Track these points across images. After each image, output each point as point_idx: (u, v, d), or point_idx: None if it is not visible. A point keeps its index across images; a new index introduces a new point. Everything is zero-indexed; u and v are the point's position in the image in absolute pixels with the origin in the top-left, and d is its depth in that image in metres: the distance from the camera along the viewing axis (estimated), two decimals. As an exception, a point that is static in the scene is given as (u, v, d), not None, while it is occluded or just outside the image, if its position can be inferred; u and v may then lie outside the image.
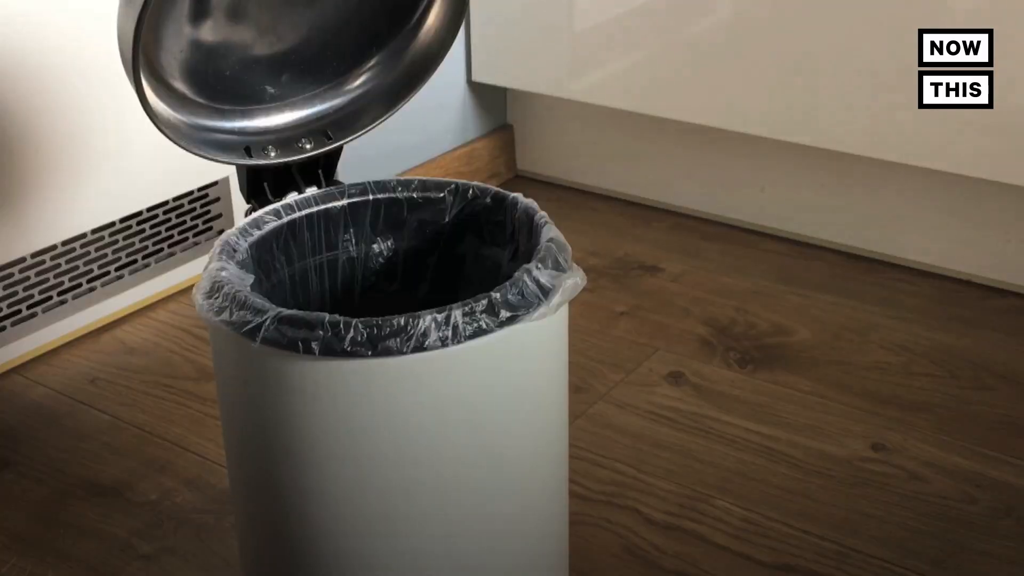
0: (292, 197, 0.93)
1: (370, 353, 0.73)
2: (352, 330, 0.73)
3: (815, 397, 1.25)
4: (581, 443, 1.17)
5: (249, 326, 0.75)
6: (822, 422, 1.20)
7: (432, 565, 0.81)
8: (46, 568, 1.04)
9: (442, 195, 0.94)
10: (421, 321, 0.74)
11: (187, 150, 0.87)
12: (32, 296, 1.31)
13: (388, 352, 0.73)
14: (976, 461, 1.14)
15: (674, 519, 1.07)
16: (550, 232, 0.84)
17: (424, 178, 0.94)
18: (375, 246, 0.96)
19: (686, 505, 1.09)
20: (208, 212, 1.47)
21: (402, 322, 0.73)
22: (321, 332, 0.73)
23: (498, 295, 0.76)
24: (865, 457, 1.15)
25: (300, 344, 0.74)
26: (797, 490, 1.11)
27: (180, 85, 0.87)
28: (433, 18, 0.96)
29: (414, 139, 1.68)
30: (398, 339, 0.73)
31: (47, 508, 1.11)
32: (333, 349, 0.73)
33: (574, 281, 0.79)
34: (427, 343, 0.74)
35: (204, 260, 0.86)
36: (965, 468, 1.13)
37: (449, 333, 0.74)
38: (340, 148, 0.96)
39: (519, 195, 0.91)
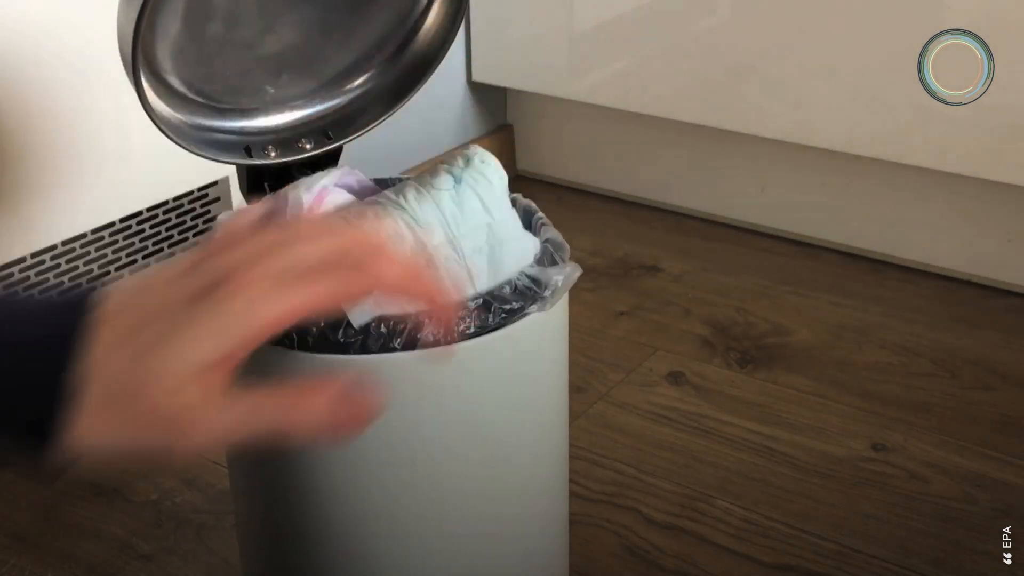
0: (292, 197, 0.93)
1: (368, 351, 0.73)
2: (349, 326, 0.73)
3: (815, 397, 1.25)
4: (581, 443, 1.17)
5: (248, 325, 0.75)
6: (822, 422, 1.20)
7: (431, 564, 0.81)
8: (46, 568, 1.04)
9: (442, 195, 0.93)
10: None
11: (187, 150, 0.87)
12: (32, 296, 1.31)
13: (386, 350, 0.73)
14: (976, 461, 1.14)
15: (674, 519, 1.07)
16: (548, 232, 0.84)
17: (424, 178, 0.94)
18: (375, 246, 0.95)
19: (686, 505, 1.09)
20: (208, 212, 1.47)
21: (402, 320, 0.73)
22: (315, 329, 0.73)
23: (496, 294, 0.76)
24: (865, 457, 1.15)
25: (296, 339, 0.74)
26: (797, 490, 1.11)
27: (180, 85, 0.87)
28: (433, 18, 0.96)
29: (414, 139, 1.68)
30: (397, 337, 0.73)
31: (47, 508, 1.11)
32: (329, 345, 0.73)
33: (569, 271, 0.79)
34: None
35: (204, 260, 0.86)
36: (965, 468, 1.13)
37: (449, 332, 0.74)
38: (340, 148, 0.96)
39: (519, 195, 0.91)
